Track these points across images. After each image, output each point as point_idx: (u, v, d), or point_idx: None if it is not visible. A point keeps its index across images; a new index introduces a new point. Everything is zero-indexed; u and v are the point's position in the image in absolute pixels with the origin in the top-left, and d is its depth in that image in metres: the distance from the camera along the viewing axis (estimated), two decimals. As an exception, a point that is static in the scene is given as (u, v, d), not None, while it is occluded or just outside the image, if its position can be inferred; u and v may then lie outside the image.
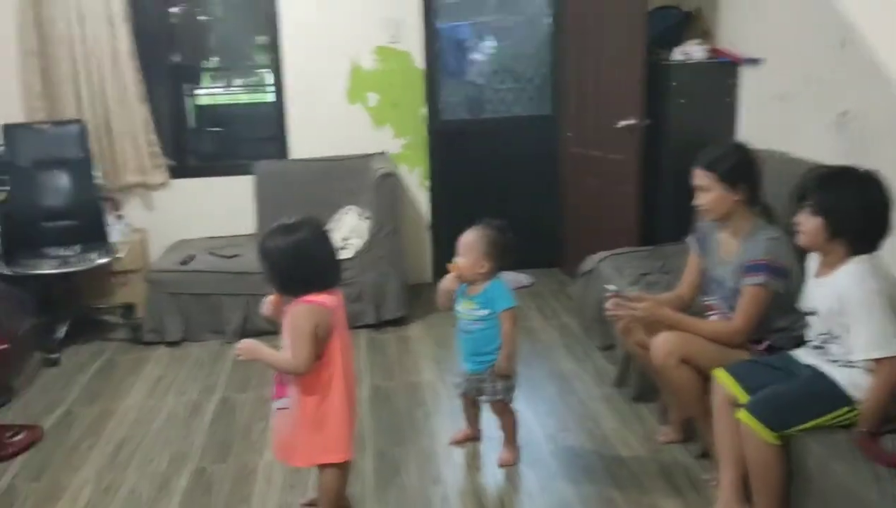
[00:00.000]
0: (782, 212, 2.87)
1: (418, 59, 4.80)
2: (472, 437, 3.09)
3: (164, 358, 4.07)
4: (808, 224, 2.35)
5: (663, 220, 4.36)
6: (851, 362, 2.30)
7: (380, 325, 4.31)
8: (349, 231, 4.43)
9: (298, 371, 2.34)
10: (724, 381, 2.47)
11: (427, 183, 4.97)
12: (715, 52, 4.26)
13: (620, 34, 4.27)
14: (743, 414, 2.32)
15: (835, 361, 2.35)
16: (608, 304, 2.77)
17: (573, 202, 4.93)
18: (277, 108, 4.86)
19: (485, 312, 2.79)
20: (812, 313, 2.43)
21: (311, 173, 4.72)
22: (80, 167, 4.29)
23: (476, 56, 5.61)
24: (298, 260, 2.32)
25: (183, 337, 4.23)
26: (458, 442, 3.09)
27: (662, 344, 2.61)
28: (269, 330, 3.88)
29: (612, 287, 2.83)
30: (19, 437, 3.18)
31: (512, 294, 2.83)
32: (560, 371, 3.73)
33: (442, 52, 5.31)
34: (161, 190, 4.82)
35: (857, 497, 2.07)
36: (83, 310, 4.41)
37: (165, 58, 4.87)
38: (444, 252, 4.65)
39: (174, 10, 5.13)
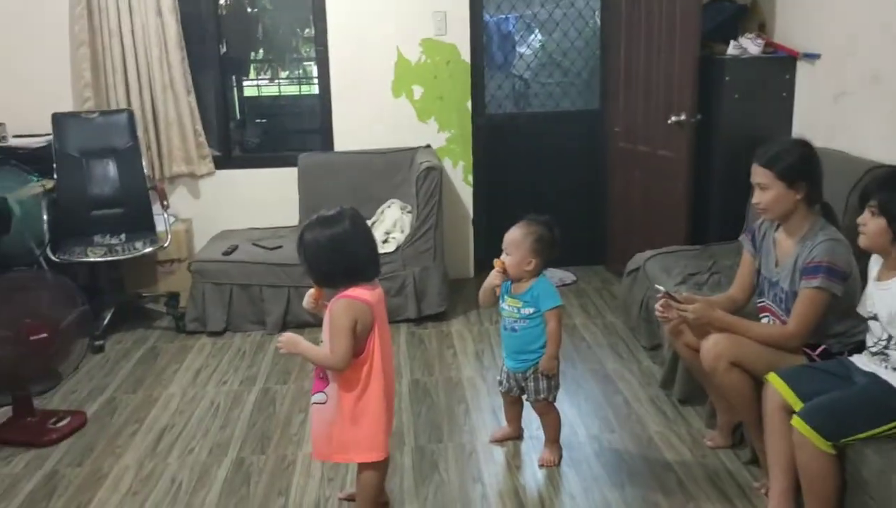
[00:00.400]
0: (839, 212, 2.78)
1: (464, 52, 4.75)
2: (513, 436, 3.04)
3: (206, 347, 4.09)
4: (871, 225, 2.27)
5: (713, 219, 4.26)
6: (915, 369, 2.20)
7: (421, 320, 4.28)
8: (392, 224, 4.41)
9: (337, 366, 2.31)
10: (777, 387, 2.37)
11: (471, 177, 4.92)
12: (771, 45, 4.13)
13: (673, 27, 4.16)
14: (797, 422, 2.24)
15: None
16: (658, 305, 2.69)
17: (619, 199, 4.84)
18: (322, 101, 4.85)
19: (530, 310, 2.74)
20: (873, 318, 2.33)
21: (354, 166, 4.71)
22: (128, 156, 4.34)
23: (523, 49, 5.54)
24: (336, 253, 2.29)
25: (225, 327, 4.25)
26: (499, 440, 3.04)
27: (713, 347, 2.52)
28: (310, 323, 3.91)
29: (661, 287, 2.75)
30: (63, 423, 3.22)
31: (557, 292, 2.77)
32: (604, 370, 3.66)
33: (488, 45, 5.26)
34: (206, 180, 4.86)
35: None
36: (128, 298, 4.47)
37: (213, 49, 4.89)
38: (486, 247, 4.64)
39: (222, 1, 5.15)
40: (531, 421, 3.02)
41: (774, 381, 2.39)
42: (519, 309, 2.76)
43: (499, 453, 2.98)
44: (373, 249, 2.40)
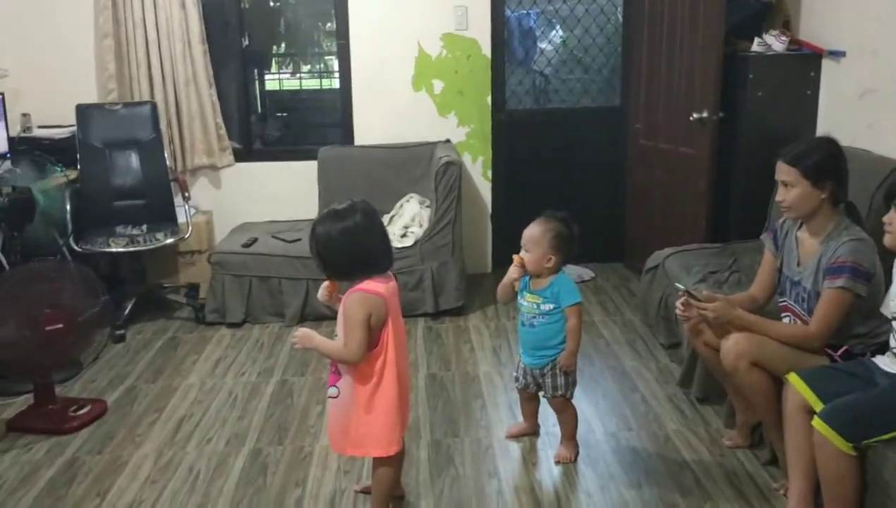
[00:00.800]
0: (864, 211, 2.74)
1: (485, 47, 4.74)
2: (529, 432, 3.04)
3: (225, 338, 4.12)
4: (898, 224, 2.23)
5: (733, 217, 4.23)
6: (938, 372, 2.17)
7: (438, 314, 4.28)
8: (410, 219, 4.41)
9: (351, 360, 2.32)
10: (797, 387, 2.35)
11: (490, 172, 4.91)
12: (795, 43, 4.09)
13: (696, 23, 4.13)
14: (817, 423, 2.21)
15: (919, 371, 2.23)
16: (678, 302, 2.67)
17: (639, 196, 4.81)
18: (343, 94, 4.86)
19: (550, 306, 2.73)
20: (896, 319, 2.30)
21: (374, 160, 4.72)
22: (151, 148, 4.38)
23: (544, 45, 5.52)
24: (348, 246, 2.30)
25: (244, 318, 4.28)
26: (514, 436, 3.04)
27: (733, 346, 2.50)
28: (328, 316, 3.92)
29: (681, 286, 2.73)
30: (84, 411, 3.25)
31: (577, 288, 2.76)
32: (622, 368, 3.64)
33: (509, 40, 5.25)
34: (227, 173, 4.88)
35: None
36: (149, 289, 4.50)
37: (235, 42, 4.91)
38: (504, 242, 4.62)
39: (246, -5, 5.18)
40: (547, 417, 3.01)
41: (795, 381, 2.36)
42: (538, 304, 2.75)
43: (515, 448, 2.98)
44: (385, 242, 2.40)
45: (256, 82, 5.74)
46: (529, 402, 3.00)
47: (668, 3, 4.36)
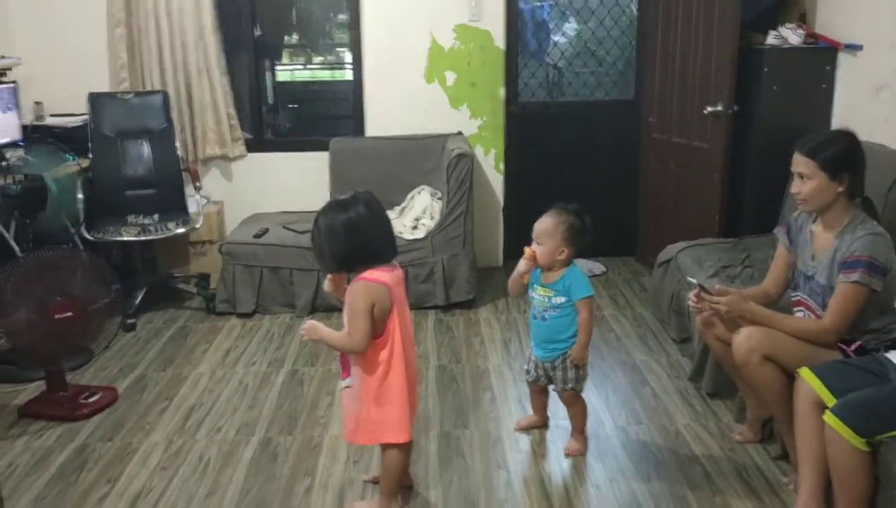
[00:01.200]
0: (879, 207, 2.71)
1: (498, 39, 4.71)
2: (539, 424, 3.03)
3: (235, 328, 4.13)
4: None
5: (747, 212, 4.21)
6: (953, 368, 2.15)
7: (449, 307, 4.28)
8: (422, 211, 4.40)
9: (355, 349, 2.32)
10: (809, 382, 2.33)
11: (502, 165, 4.89)
12: (812, 36, 4.05)
13: (712, 16, 4.10)
14: (829, 417, 2.20)
15: (934, 367, 2.21)
16: (690, 295, 2.65)
17: (652, 190, 4.79)
18: (355, 86, 4.85)
19: (562, 299, 2.72)
20: (912, 314, 2.28)
21: (385, 151, 4.71)
22: (162, 137, 4.39)
23: (557, 37, 5.49)
24: (351, 236, 2.29)
25: (255, 309, 4.28)
26: (524, 429, 3.03)
27: (745, 340, 2.48)
28: (338, 307, 3.89)
29: (693, 280, 2.71)
30: (95, 398, 3.27)
31: (589, 282, 2.75)
32: (633, 362, 3.63)
33: (523, 32, 5.22)
34: (238, 163, 4.89)
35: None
36: (160, 278, 4.51)
37: (247, 32, 4.91)
38: (516, 236, 4.61)
39: (258, -16, 5.16)
40: (557, 410, 3.00)
41: (807, 376, 2.34)
42: (550, 297, 2.74)
43: (524, 441, 2.97)
44: (388, 232, 2.39)
45: (268, 73, 5.73)
46: (539, 395, 3.00)
47: (683, -4, 4.34)
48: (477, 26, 4.69)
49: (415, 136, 4.73)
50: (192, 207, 4.38)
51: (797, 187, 2.52)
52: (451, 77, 4.76)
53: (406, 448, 2.50)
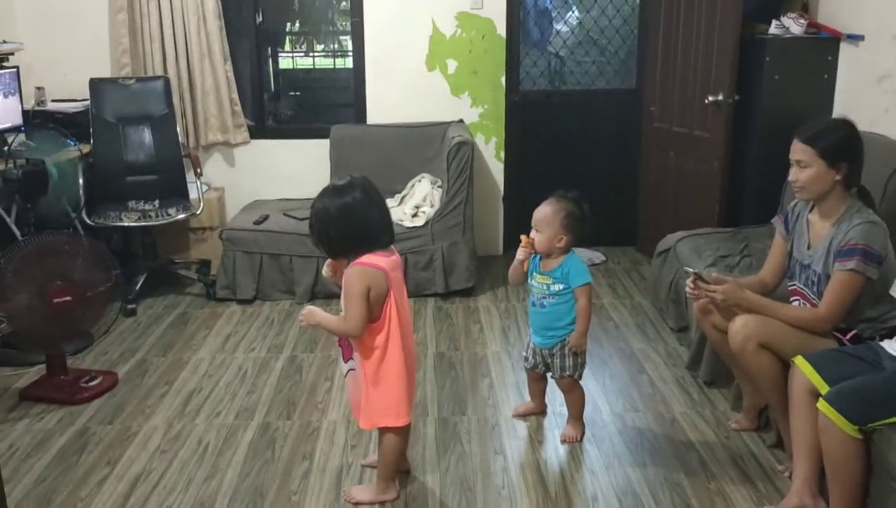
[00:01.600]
0: (877, 197, 2.71)
1: (500, 27, 4.71)
2: (537, 411, 3.05)
3: (235, 314, 4.14)
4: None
5: (746, 202, 4.21)
6: (947, 357, 2.16)
7: (448, 294, 4.29)
8: (422, 198, 4.41)
9: (352, 332, 2.34)
10: (804, 370, 2.34)
11: (503, 153, 4.90)
12: (814, 26, 4.04)
13: (714, 5, 4.09)
14: (822, 405, 2.20)
15: (928, 355, 2.21)
16: (688, 282, 2.66)
17: (652, 179, 4.79)
18: (356, 73, 4.85)
19: (560, 287, 2.73)
20: (906, 303, 2.29)
21: (386, 139, 4.71)
22: (164, 123, 4.39)
23: (559, 26, 5.48)
24: (346, 222, 2.30)
25: (255, 295, 4.30)
26: (521, 415, 3.05)
27: (741, 328, 2.49)
28: (338, 294, 3.91)
29: (690, 269, 2.72)
30: (95, 382, 3.29)
31: (587, 269, 2.76)
32: (631, 350, 3.64)
33: (525, 21, 5.21)
34: (239, 150, 4.89)
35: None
36: (160, 264, 4.53)
37: (249, 19, 4.90)
38: (516, 224, 4.62)
39: (261, -29, 5.16)
40: (555, 397, 3.02)
41: (801, 364, 2.35)
42: (548, 285, 2.75)
43: (521, 427, 2.99)
44: (385, 217, 2.40)
45: (270, 60, 5.73)
46: (537, 382, 3.01)
47: (686, -15, 4.32)
48: (479, 14, 4.68)
49: (416, 124, 4.73)
50: (192, 193, 4.39)
51: (795, 175, 2.52)
52: (452, 65, 4.76)
53: (404, 433, 2.52)
